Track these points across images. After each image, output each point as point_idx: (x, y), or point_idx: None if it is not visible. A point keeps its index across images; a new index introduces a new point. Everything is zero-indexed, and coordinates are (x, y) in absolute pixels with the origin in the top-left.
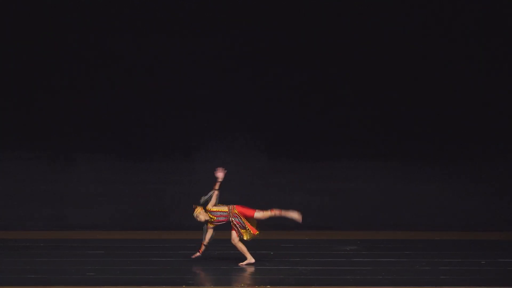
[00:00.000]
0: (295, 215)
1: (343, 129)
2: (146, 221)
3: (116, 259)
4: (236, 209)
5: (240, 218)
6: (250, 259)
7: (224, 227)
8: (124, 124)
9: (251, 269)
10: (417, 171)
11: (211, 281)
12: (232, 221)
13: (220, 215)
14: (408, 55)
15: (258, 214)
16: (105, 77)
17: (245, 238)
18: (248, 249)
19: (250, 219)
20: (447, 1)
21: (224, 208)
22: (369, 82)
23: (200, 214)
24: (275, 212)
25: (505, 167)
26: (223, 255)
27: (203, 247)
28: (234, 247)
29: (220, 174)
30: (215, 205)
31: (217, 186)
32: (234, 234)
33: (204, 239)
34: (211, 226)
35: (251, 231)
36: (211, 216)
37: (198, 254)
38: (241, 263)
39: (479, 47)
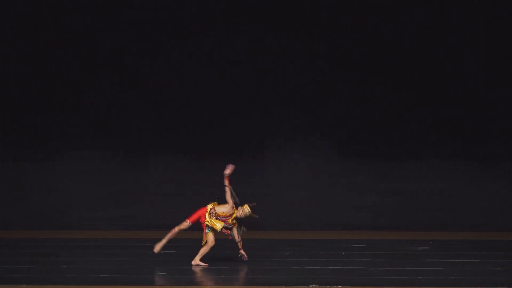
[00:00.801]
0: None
1: (412, 129)
2: None
3: (183, 259)
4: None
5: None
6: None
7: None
8: (197, 123)
9: (321, 269)
10: (487, 171)
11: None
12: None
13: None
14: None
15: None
16: (173, 76)
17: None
18: (316, 249)
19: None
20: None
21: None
22: (439, 82)
23: (245, 209)
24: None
25: None
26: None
27: (240, 245)
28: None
29: (227, 171)
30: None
31: (227, 182)
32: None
33: (237, 237)
34: (233, 222)
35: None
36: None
37: (242, 252)
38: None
39: None
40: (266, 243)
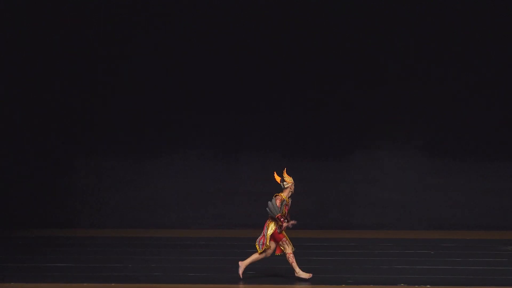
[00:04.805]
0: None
1: (504, 129)
2: (311, 219)
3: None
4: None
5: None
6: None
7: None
8: (286, 124)
9: (408, 268)
10: None
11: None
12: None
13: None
14: None
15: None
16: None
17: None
18: (405, 249)
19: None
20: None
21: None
22: None
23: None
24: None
25: None
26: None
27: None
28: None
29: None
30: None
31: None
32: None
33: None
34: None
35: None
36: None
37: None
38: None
39: None
40: (355, 242)
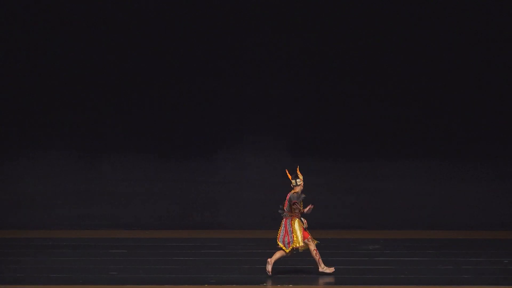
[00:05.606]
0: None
1: (367, 128)
2: (175, 220)
3: (140, 258)
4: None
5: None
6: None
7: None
8: (155, 124)
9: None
10: (441, 171)
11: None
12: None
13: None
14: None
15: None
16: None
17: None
18: (270, 248)
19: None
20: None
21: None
22: (412, 82)
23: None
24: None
25: None
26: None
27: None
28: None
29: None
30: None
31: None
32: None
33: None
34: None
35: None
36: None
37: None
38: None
39: None
40: (218, 242)
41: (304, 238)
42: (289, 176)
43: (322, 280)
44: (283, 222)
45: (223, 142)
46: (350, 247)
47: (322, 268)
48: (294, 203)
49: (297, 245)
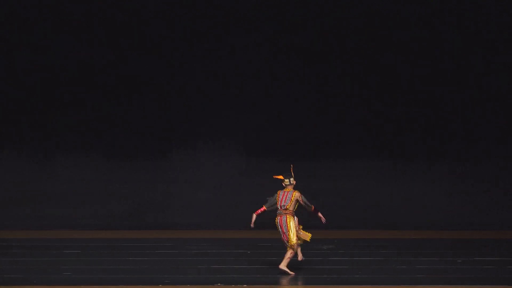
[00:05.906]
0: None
1: (329, 129)
2: (127, 220)
3: (94, 258)
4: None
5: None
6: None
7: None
8: (107, 123)
9: (227, 268)
10: (399, 171)
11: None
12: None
13: None
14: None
15: None
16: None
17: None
18: (221, 248)
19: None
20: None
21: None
22: (366, 81)
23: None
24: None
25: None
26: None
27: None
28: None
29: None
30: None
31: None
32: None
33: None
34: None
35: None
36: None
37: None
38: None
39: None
40: (172, 242)
41: (297, 234)
42: (280, 176)
43: (277, 280)
44: (278, 222)
45: (178, 142)
46: (304, 247)
47: (284, 266)
48: (305, 203)
49: (293, 242)
